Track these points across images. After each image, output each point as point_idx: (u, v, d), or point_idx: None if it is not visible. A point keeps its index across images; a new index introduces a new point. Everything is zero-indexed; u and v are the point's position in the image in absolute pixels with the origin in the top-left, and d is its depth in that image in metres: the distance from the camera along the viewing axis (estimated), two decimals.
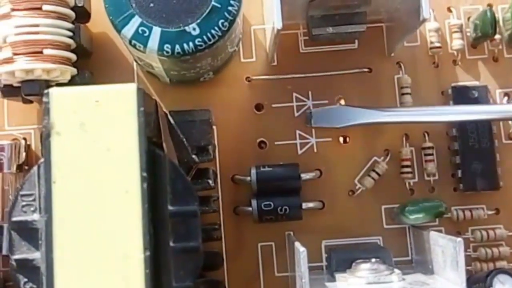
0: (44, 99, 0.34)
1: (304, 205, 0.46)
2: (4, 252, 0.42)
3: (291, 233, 0.47)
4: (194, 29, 0.39)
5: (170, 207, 0.34)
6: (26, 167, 0.46)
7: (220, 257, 0.46)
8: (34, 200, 0.35)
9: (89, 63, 0.48)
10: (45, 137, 0.33)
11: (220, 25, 0.40)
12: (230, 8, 0.40)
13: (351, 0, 0.44)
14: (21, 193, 0.35)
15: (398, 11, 0.45)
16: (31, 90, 0.43)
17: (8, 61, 0.42)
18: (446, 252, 0.40)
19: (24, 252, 0.34)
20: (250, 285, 0.47)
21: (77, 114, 0.33)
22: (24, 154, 0.46)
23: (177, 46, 0.39)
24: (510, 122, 0.48)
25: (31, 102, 0.45)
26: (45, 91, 0.34)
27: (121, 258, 0.33)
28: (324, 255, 0.47)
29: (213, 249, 0.46)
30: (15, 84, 0.44)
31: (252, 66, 0.49)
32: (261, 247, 0.47)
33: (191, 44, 0.39)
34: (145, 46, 0.39)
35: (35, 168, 0.35)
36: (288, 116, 0.49)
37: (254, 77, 0.49)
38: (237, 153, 0.48)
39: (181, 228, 0.34)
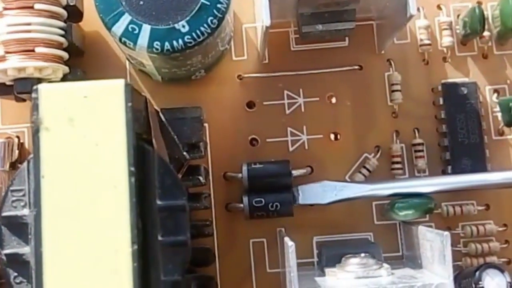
0: (33, 95, 0.34)
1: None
2: None
3: (283, 229, 0.47)
4: (183, 26, 0.40)
5: (158, 202, 0.35)
6: (19, 165, 0.47)
7: (211, 253, 0.46)
8: (24, 195, 0.35)
9: (82, 61, 0.48)
10: (34, 133, 0.34)
11: (209, 22, 0.40)
12: (219, 5, 0.40)
13: None
14: (11, 188, 0.35)
15: (387, 8, 0.45)
16: (23, 88, 0.43)
17: (0, 59, 0.43)
18: (434, 246, 0.40)
19: (14, 247, 0.34)
20: (242, 281, 0.47)
21: (65, 109, 0.34)
22: (17, 152, 0.47)
23: (167, 43, 0.40)
24: (499, 117, 0.48)
25: (24, 100, 0.46)
26: (34, 87, 0.34)
27: (109, 251, 0.33)
28: (315, 251, 0.48)
29: (204, 245, 0.46)
30: (8, 83, 0.44)
31: (244, 64, 0.49)
32: (252, 244, 0.48)
33: (180, 41, 0.40)
34: (135, 43, 0.40)
35: (25, 163, 0.35)
36: (280, 113, 0.49)
37: (246, 75, 0.49)
38: (228, 150, 0.48)
39: (169, 222, 0.35)
